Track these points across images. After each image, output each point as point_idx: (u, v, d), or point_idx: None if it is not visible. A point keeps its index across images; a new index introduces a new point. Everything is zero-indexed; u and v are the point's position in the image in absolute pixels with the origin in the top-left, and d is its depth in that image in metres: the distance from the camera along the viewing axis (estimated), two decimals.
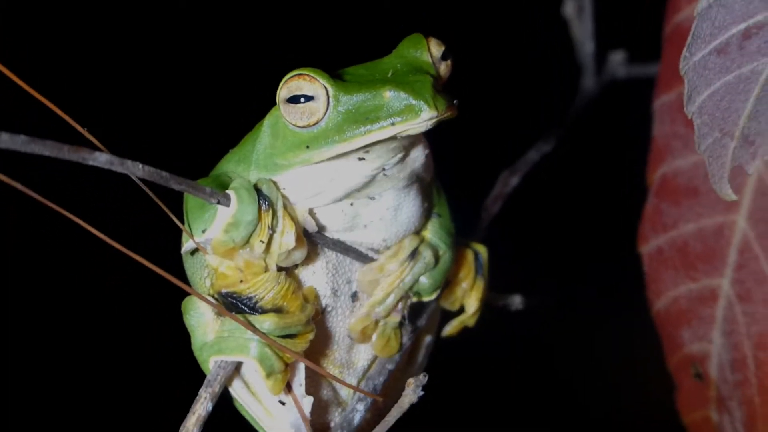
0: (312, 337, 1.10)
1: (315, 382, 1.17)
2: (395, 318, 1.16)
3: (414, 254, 1.14)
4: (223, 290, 1.07)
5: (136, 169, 0.91)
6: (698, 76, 0.97)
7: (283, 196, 1.07)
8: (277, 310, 1.07)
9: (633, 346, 1.82)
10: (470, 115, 1.14)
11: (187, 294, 1.12)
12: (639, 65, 1.83)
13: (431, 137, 1.10)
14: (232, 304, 1.08)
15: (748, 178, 1.31)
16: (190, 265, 1.15)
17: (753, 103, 0.96)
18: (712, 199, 1.35)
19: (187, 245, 1.11)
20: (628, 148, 1.67)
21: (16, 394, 2.21)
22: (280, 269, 1.08)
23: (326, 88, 1.02)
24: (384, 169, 1.06)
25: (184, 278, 1.15)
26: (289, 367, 1.11)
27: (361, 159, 1.04)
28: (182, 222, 1.09)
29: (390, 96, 1.00)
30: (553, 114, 1.71)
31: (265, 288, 1.07)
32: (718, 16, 0.96)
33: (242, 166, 1.10)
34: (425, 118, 0.99)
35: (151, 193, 1.02)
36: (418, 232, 1.16)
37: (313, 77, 1.02)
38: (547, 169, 1.63)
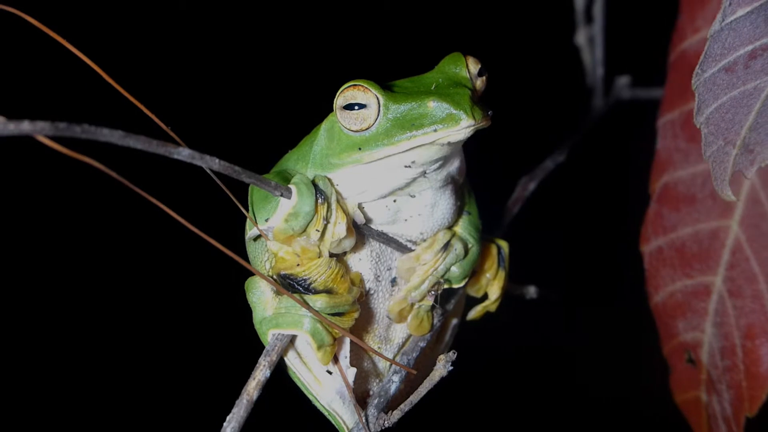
0: (357, 315, 1.10)
1: (358, 356, 1.17)
2: (428, 302, 1.15)
3: (446, 246, 1.14)
4: (282, 272, 1.07)
5: (213, 163, 0.91)
6: (707, 91, 0.97)
7: (337, 192, 1.07)
8: (328, 291, 1.07)
9: (632, 334, 1.81)
10: (496, 128, 1.14)
11: (250, 274, 1.12)
12: (641, 88, 1.83)
13: (464, 145, 1.10)
14: (289, 285, 1.07)
15: (742, 187, 1.30)
16: (252, 249, 1.15)
17: (755, 116, 0.96)
18: (708, 206, 1.34)
19: (251, 232, 1.12)
20: (630, 160, 1.66)
21: (66, 362, 2.22)
22: (331, 255, 1.08)
23: (378, 98, 1.02)
24: (424, 171, 1.05)
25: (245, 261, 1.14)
26: (336, 341, 1.11)
27: (405, 162, 1.04)
28: (247, 211, 1.10)
29: (433, 106, 1.00)
30: (566, 128, 1.70)
31: (318, 271, 1.07)
32: (728, 38, 0.96)
33: (301, 164, 1.10)
34: (464, 126, 0.99)
35: (222, 186, 1.02)
36: (450, 227, 1.16)
37: (367, 88, 1.02)
38: (561, 176, 1.62)
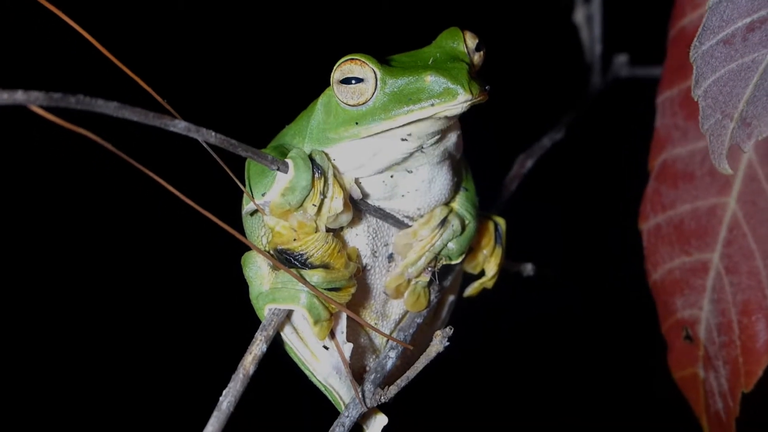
0: (354, 291, 1.10)
1: (354, 331, 1.16)
2: (425, 278, 1.15)
3: (444, 222, 1.13)
4: (279, 247, 1.07)
5: (209, 136, 0.90)
6: (705, 64, 0.96)
7: (334, 166, 1.06)
8: (325, 266, 1.07)
9: (629, 312, 1.82)
10: (494, 105, 1.14)
11: (246, 249, 1.12)
12: (639, 67, 1.82)
13: (461, 121, 1.09)
14: (286, 260, 1.07)
15: (740, 164, 1.29)
16: (249, 224, 1.14)
17: (752, 89, 0.95)
18: (707, 183, 1.34)
19: (247, 207, 1.11)
20: (628, 138, 1.66)
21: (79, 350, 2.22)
22: (328, 230, 1.08)
23: (375, 72, 1.01)
24: (421, 146, 1.05)
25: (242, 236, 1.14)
26: (333, 317, 1.10)
27: (402, 136, 1.03)
28: (244, 186, 1.09)
29: (431, 80, 1.00)
30: (564, 107, 1.70)
31: (315, 246, 1.06)
32: (727, 10, 0.95)
33: (297, 139, 1.10)
34: (461, 100, 0.99)
35: (219, 159, 1.01)
36: (447, 203, 1.15)
37: (364, 62, 1.02)
38: (558, 154, 1.62)
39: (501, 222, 1.25)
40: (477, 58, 1.08)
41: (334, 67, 1.03)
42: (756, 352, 1.27)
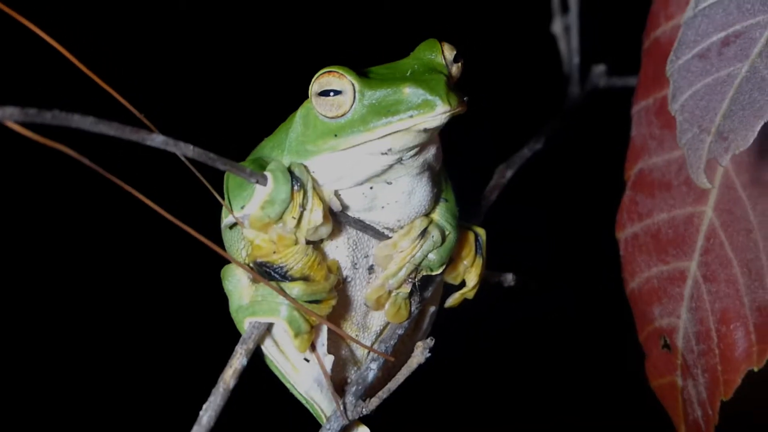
0: (334, 303, 1.09)
1: (335, 343, 1.16)
2: (406, 289, 1.15)
3: (424, 233, 1.13)
4: (258, 260, 1.06)
5: (187, 150, 0.90)
6: (682, 78, 0.96)
7: (313, 179, 1.06)
8: (305, 279, 1.06)
9: (608, 320, 1.82)
10: (473, 116, 1.14)
11: (226, 262, 1.11)
12: (617, 77, 1.83)
13: (441, 132, 1.09)
14: (266, 272, 1.07)
15: (716, 174, 1.30)
16: (228, 237, 1.14)
17: (728, 103, 0.95)
18: (683, 192, 1.34)
19: (227, 220, 1.11)
20: (607, 147, 1.67)
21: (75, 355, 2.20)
22: (308, 243, 1.07)
23: (353, 84, 1.01)
24: (401, 158, 1.05)
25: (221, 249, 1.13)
26: (313, 329, 1.10)
27: (382, 149, 1.03)
28: (223, 199, 1.09)
29: (409, 92, 0.99)
30: (543, 117, 1.70)
31: (294, 259, 1.06)
32: (702, 25, 0.96)
33: (277, 152, 1.09)
34: (440, 111, 0.99)
35: (197, 173, 1.01)
36: (427, 214, 1.15)
37: (342, 74, 1.01)
38: (538, 164, 1.63)
39: (481, 232, 1.25)
40: (455, 69, 1.08)
41: (312, 80, 1.03)
42: (734, 360, 1.27)
